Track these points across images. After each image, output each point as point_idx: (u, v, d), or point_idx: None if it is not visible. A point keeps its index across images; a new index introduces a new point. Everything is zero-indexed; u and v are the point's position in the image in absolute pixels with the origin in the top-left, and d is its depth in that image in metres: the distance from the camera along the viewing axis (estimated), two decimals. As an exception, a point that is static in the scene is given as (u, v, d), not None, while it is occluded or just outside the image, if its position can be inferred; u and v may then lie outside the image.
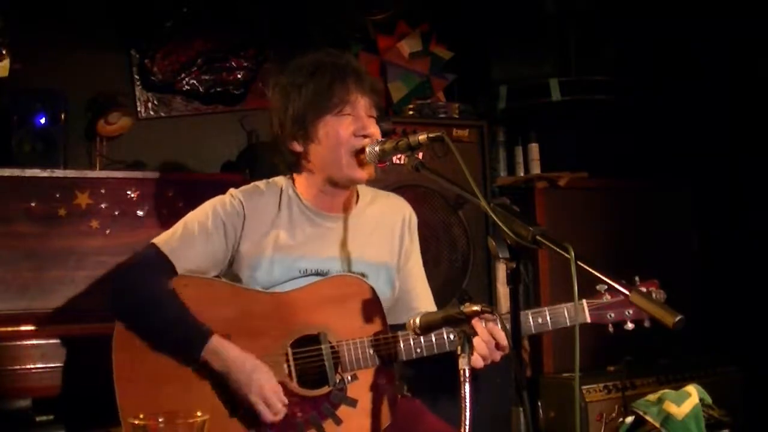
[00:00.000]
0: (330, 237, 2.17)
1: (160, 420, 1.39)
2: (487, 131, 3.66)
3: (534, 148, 3.95)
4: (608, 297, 2.07)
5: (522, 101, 3.90)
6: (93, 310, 2.74)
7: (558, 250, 1.48)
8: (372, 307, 2.09)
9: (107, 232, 2.99)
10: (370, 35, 4.08)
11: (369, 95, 2.13)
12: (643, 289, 2.05)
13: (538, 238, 1.53)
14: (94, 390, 2.54)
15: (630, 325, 2.06)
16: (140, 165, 3.39)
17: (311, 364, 2.04)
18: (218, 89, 3.79)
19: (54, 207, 2.93)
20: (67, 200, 2.95)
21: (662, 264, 3.66)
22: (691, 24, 3.91)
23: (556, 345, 3.59)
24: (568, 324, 2.05)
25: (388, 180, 3.12)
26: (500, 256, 1.57)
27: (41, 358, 2.60)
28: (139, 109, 3.67)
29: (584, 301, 2.07)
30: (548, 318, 2.06)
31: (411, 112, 3.64)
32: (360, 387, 2.05)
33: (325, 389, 2.04)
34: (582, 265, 1.46)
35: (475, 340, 1.90)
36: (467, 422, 1.62)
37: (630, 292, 1.45)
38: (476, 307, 1.69)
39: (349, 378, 2.05)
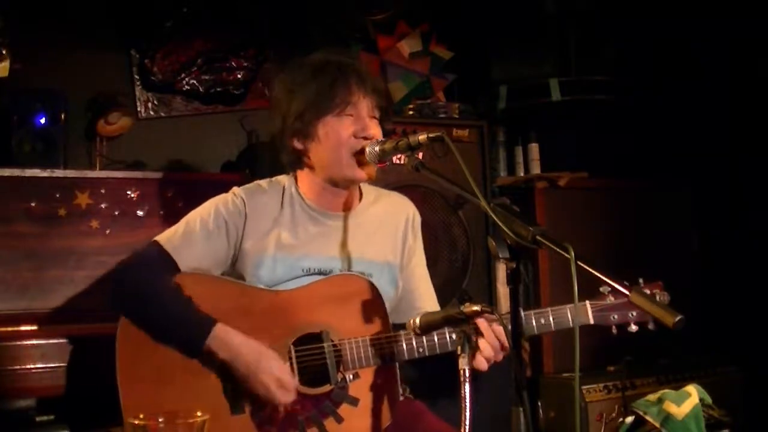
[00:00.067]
0: (333, 236, 2.18)
1: (160, 420, 1.39)
2: (487, 131, 3.66)
3: (534, 148, 3.95)
4: (611, 299, 2.06)
5: (522, 101, 3.89)
6: (93, 310, 2.75)
7: (558, 250, 1.48)
8: (375, 307, 2.09)
9: (107, 232, 2.99)
10: (370, 35, 4.08)
11: (371, 96, 2.12)
12: (647, 291, 2.05)
13: (538, 238, 1.52)
14: (94, 390, 2.54)
15: (633, 327, 2.04)
16: (140, 165, 3.39)
17: (313, 362, 2.04)
18: (218, 89, 3.79)
19: (54, 207, 2.93)
20: (67, 200, 2.95)
21: (662, 264, 3.65)
22: (691, 24, 3.91)
23: (556, 345, 3.59)
24: (571, 325, 2.05)
25: (388, 180, 3.12)
26: (500, 256, 1.57)
27: (41, 358, 2.60)
28: (139, 109, 3.67)
29: (587, 303, 2.06)
30: (551, 319, 2.05)
31: (411, 112, 3.64)
32: (361, 386, 2.05)
33: (326, 387, 2.04)
34: (582, 265, 1.45)
35: (481, 343, 1.92)
36: (467, 422, 1.62)
37: (630, 292, 1.45)
38: (476, 307, 1.69)
39: (351, 377, 2.05)
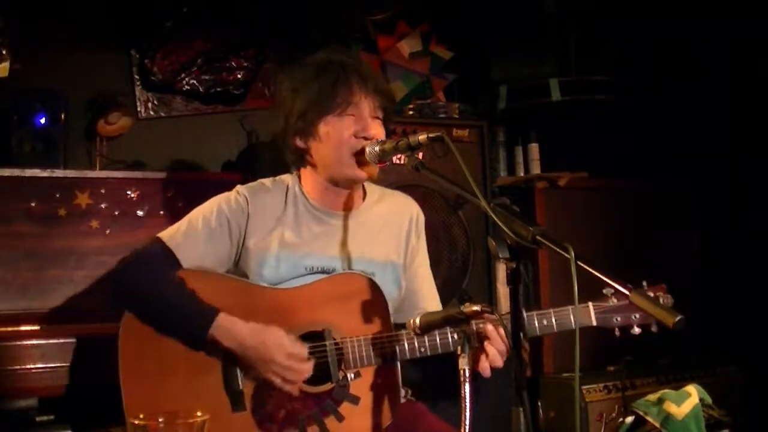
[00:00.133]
0: (336, 235, 2.18)
1: (160, 420, 1.39)
2: (487, 131, 3.66)
3: (534, 148, 3.95)
4: (614, 301, 2.05)
5: (522, 101, 3.90)
6: (93, 310, 2.75)
7: (558, 250, 1.48)
8: (377, 306, 2.09)
9: (107, 232, 2.99)
10: (370, 35, 4.08)
11: (373, 96, 2.12)
12: (650, 293, 2.04)
13: (538, 238, 1.52)
14: (94, 390, 2.54)
15: (637, 330, 2.03)
16: (140, 165, 3.39)
17: (315, 360, 2.04)
18: (218, 89, 3.79)
19: (54, 207, 2.93)
20: (67, 200, 2.96)
21: (662, 264, 3.65)
22: (691, 24, 3.91)
23: (556, 345, 3.59)
24: (574, 327, 2.05)
25: (388, 180, 3.11)
26: (500, 256, 1.57)
27: (41, 358, 2.60)
28: (139, 109, 3.67)
29: (590, 304, 2.06)
30: (553, 320, 2.05)
31: (411, 112, 3.64)
32: (363, 385, 2.06)
33: (327, 386, 2.04)
34: (582, 265, 1.45)
35: (489, 349, 1.94)
36: (467, 422, 1.62)
37: (630, 292, 1.45)
38: (476, 307, 1.69)
39: (352, 375, 2.05)
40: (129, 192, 3.05)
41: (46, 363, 2.60)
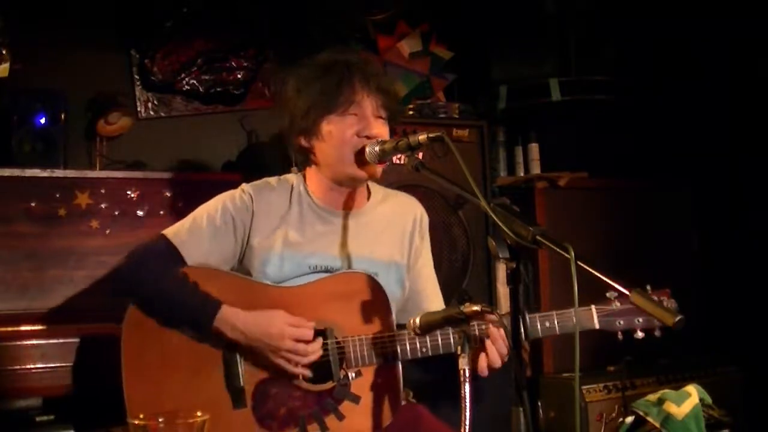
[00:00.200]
0: (340, 234, 2.18)
1: (160, 420, 1.39)
2: (487, 131, 3.66)
3: (534, 148, 3.95)
4: (617, 304, 2.04)
5: (522, 101, 3.89)
6: (93, 310, 2.75)
7: (558, 250, 1.48)
8: (380, 305, 2.09)
9: (107, 232, 2.99)
10: (370, 35, 4.08)
11: (376, 95, 2.12)
12: (654, 298, 2.04)
13: (538, 238, 1.52)
14: (95, 389, 2.55)
15: (640, 334, 2.03)
16: (140, 165, 3.39)
17: (316, 359, 2.04)
18: (218, 89, 3.79)
19: (54, 207, 2.93)
20: (67, 200, 2.96)
21: (662, 264, 3.68)
22: (691, 24, 3.91)
23: (556, 345, 3.59)
24: (575, 330, 2.04)
25: (388, 180, 3.11)
26: (500, 256, 1.57)
27: (41, 358, 2.60)
28: (139, 109, 3.67)
29: (593, 308, 2.05)
30: (555, 322, 2.05)
31: (411, 112, 3.64)
32: (364, 384, 2.06)
33: (328, 384, 2.05)
34: (582, 265, 1.45)
35: (490, 351, 1.95)
36: (467, 422, 1.62)
37: (630, 292, 1.45)
38: (476, 307, 1.69)
39: (354, 375, 2.05)
40: (129, 192, 3.05)
41: (46, 363, 2.61)
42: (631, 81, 3.90)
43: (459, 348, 1.68)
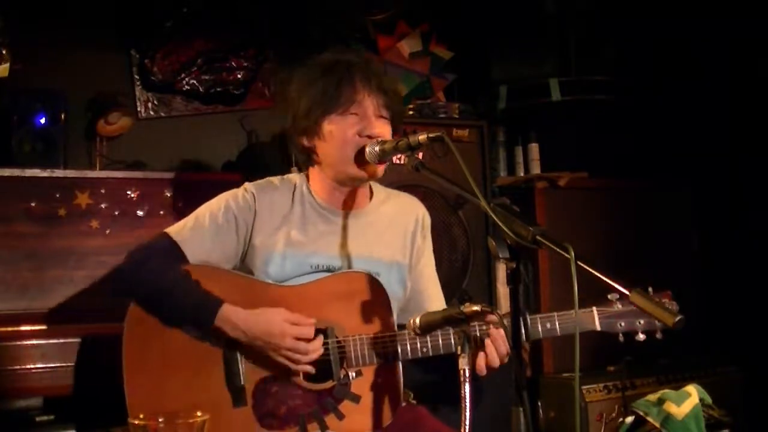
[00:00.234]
0: (342, 234, 2.19)
1: (160, 420, 1.39)
2: (487, 131, 3.66)
3: (534, 148, 3.95)
4: (619, 306, 2.04)
5: (522, 101, 3.90)
6: (93, 310, 2.75)
7: (558, 250, 1.48)
8: (381, 305, 2.10)
9: (107, 232, 2.99)
10: (370, 35, 4.08)
11: (377, 95, 2.12)
12: (654, 298, 2.03)
13: (538, 238, 1.53)
14: (95, 389, 2.55)
15: (641, 336, 2.03)
16: (140, 165, 3.39)
17: (317, 357, 2.05)
18: (218, 89, 3.79)
19: (54, 207, 2.93)
20: (67, 200, 2.96)
21: (662, 264, 3.68)
22: (691, 24, 3.91)
23: (556, 345, 3.58)
24: (577, 331, 2.04)
25: (388, 180, 3.09)
26: (500, 256, 1.57)
27: (41, 358, 2.60)
28: (139, 109, 3.67)
29: (594, 309, 2.06)
30: (557, 324, 2.05)
31: (411, 112, 3.64)
32: (364, 384, 2.06)
33: (329, 383, 2.05)
34: (582, 265, 1.45)
35: (489, 350, 1.95)
36: (467, 422, 1.62)
37: (630, 292, 1.45)
38: (476, 307, 1.69)
39: (354, 374, 2.06)
40: (129, 192, 3.05)
41: (46, 363, 2.61)
42: (631, 81, 3.90)
43: (459, 348, 1.68)
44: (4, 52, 2.87)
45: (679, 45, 3.99)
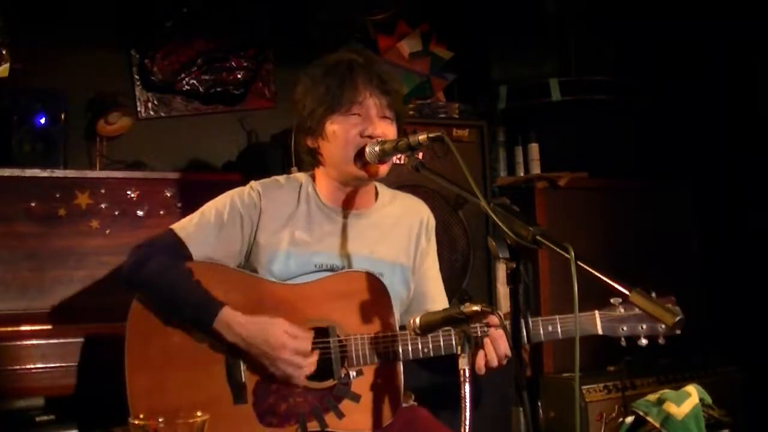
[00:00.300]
0: (347, 234, 2.19)
1: (160, 420, 1.40)
2: (487, 131, 3.65)
3: (534, 148, 3.94)
4: (621, 310, 2.04)
5: (522, 101, 3.90)
6: (93, 309, 2.75)
7: (558, 250, 1.49)
8: (383, 305, 2.10)
9: (107, 232, 3.00)
10: (370, 35, 4.08)
11: (380, 95, 2.12)
12: (654, 298, 2.03)
13: (538, 238, 1.53)
14: (96, 389, 2.55)
15: (643, 341, 2.03)
16: (140, 165, 3.39)
17: (318, 356, 2.05)
18: (218, 89, 3.79)
19: (54, 207, 2.93)
20: (67, 200, 2.96)
21: (662, 264, 3.68)
22: (691, 24, 3.91)
23: (556, 345, 3.58)
24: (578, 334, 2.04)
25: (388, 180, 3.10)
26: (500, 256, 1.57)
27: (41, 358, 2.60)
28: (139, 109, 3.67)
29: (596, 313, 2.06)
30: (558, 327, 2.06)
31: (411, 112, 3.64)
32: (364, 383, 2.07)
33: (329, 382, 2.06)
34: (582, 265, 1.45)
35: (488, 349, 1.96)
36: (467, 422, 1.62)
37: (630, 291, 1.45)
38: (476, 307, 1.69)
39: (355, 373, 2.06)
40: (129, 192, 3.05)
41: (46, 363, 2.61)
42: (631, 81, 3.91)
43: (459, 348, 1.68)
44: (4, 52, 2.87)
45: (679, 45, 3.99)
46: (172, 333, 2.04)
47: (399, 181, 3.16)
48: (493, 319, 1.93)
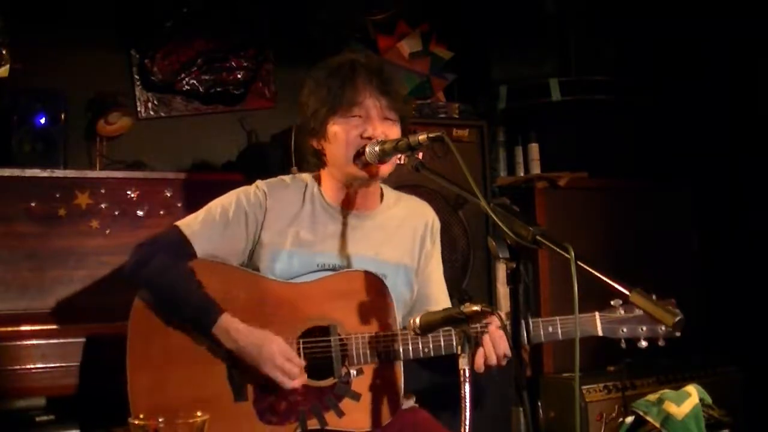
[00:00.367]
0: (351, 234, 2.20)
1: (160, 420, 1.40)
2: (487, 131, 3.66)
3: (534, 148, 3.94)
4: (622, 312, 2.05)
5: (522, 101, 3.90)
6: (93, 309, 2.75)
7: (558, 250, 1.49)
8: (384, 305, 2.11)
9: (107, 232, 3.00)
10: (370, 35, 4.08)
11: (382, 97, 2.12)
12: (654, 299, 2.03)
13: (538, 238, 1.53)
14: (96, 389, 2.55)
15: (643, 343, 2.03)
16: (140, 165, 3.39)
17: (319, 355, 2.06)
18: (218, 89, 3.79)
19: (54, 207, 2.93)
20: (67, 200, 2.96)
21: (662, 264, 3.68)
22: (691, 24, 3.91)
23: (556, 345, 3.58)
24: (578, 334, 2.04)
25: (388, 180, 3.11)
26: (500, 256, 1.57)
27: (41, 358, 2.60)
28: (139, 109, 3.67)
29: (597, 314, 2.06)
30: (559, 328, 2.07)
31: (411, 112, 3.63)
32: (365, 382, 2.07)
33: (330, 381, 2.06)
34: (582, 265, 1.45)
35: (488, 348, 1.96)
36: (467, 422, 1.62)
37: (630, 291, 1.45)
38: (476, 307, 1.69)
39: (355, 372, 2.06)
40: (129, 192, 3.05)
41: (46, 363, 2.61)
42: (631, 81, 3.90)
43: (459, 348, 1.69)
44: (4, 52, 2.87)
45: (679, 45, 3.99)
46: (174, 332, 2.05)
47: (399, 181, 3.15)
48: (494, 320, 1.93)
